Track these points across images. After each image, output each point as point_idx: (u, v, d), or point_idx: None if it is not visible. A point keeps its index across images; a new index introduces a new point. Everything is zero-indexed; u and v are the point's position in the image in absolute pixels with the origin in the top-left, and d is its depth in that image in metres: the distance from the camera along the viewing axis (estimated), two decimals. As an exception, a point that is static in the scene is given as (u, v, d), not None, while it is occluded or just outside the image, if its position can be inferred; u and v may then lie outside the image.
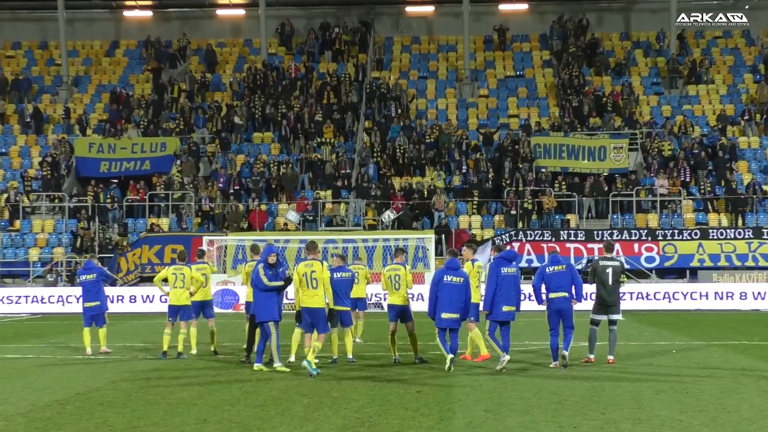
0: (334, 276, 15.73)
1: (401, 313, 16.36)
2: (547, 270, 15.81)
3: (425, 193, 38.58)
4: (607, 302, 15.96)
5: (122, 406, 12.01)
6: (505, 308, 15.14)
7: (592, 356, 16.06)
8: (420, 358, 16.33)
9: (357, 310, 19.25)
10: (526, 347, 19.07)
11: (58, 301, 33.18)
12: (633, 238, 34.62)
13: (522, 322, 26.08)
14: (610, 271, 15.97)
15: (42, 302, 33.27)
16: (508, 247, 25.11)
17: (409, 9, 50.41)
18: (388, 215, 36.39)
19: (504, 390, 13.03)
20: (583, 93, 44.03)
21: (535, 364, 16.04)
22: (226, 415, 11.22)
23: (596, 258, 16.69)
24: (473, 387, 13.36)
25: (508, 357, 15.09)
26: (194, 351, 18.32)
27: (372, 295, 29.79)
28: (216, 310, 19.92)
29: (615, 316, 16.09)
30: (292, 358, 16.06)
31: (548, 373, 14.87)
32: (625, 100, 43.55)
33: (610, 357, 16.03)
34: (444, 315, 15.19)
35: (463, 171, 39.89)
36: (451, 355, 14.95)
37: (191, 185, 39.22)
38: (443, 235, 35.25)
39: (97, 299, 18.72)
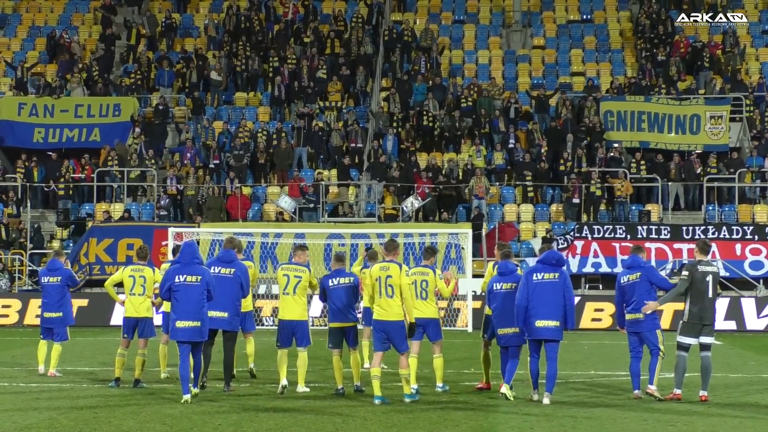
0: (329, 284, 16.35)
1: (428, 328, 16.53)
2: (622, 280, 15.97)
3: (460, 174, 38.53)
4: (703, 320, 15.85)
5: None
6: (539, 323, 15.21)
7: (679, 391, 15.99)
8: (443, 386, 16.79)
9: (362, 327, 19.41)
10: (592, 378, 19.02)
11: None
12: (734, 236, 34.47)
13: (586, 346, 26.06)
14: (710, 279, 15.88)
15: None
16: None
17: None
18: (411, 203, 36.36)
19: (562, 434, 13.05)
20: (672, 43, 43.82)
21: (603, 401, 16.03)
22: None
23: (692, 261, 16.53)
24: (521, 430, 13.38)
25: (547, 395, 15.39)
26: (164, 375, 18.56)
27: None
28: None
29: (709, 339, 15.99)
30: (284, 382, 16.37)
31: (620, 411, 14.83)
32: (727, 54, 43.29)
33: (703, 393, 15.97)
34: (501, 331, 15.72)
35: (510, 146, 39.79)
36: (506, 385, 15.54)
37: (151, 160, 39.27)
38: (482, 231, 35.21)
39: (59, 309, 19.14)
